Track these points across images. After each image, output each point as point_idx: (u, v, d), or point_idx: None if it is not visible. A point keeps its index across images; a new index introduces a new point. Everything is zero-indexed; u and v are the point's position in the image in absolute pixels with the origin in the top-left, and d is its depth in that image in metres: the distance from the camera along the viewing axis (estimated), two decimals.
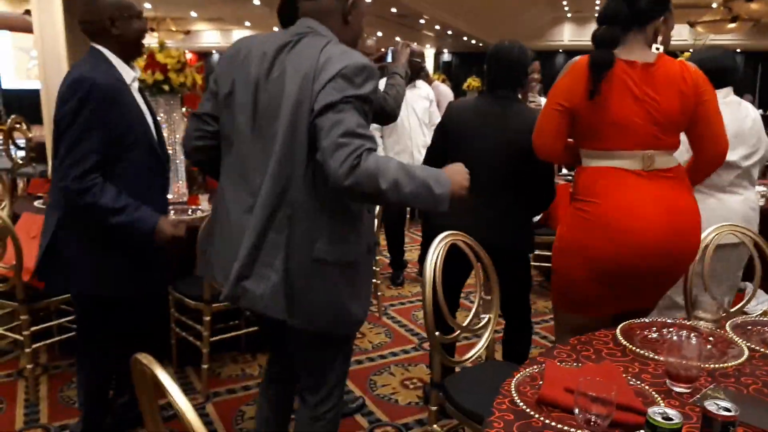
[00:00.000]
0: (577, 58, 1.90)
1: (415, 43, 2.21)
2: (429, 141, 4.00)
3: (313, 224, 1.52)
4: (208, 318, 2.60)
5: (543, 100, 3.37)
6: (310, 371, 1.74)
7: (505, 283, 2.13)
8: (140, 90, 2.21)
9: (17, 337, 2.65)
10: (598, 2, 14.81)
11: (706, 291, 2.07)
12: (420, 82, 4.34)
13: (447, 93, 6.83)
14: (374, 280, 3.57)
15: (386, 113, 2.23)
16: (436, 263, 1.84)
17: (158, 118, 2.44)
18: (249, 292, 1.57)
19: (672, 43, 2.18)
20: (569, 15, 17.29)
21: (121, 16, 2.03)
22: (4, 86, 15.11)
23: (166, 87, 3.20)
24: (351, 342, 1.85)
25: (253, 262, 1.55)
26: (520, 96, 2.54)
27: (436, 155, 2.49)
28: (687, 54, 4.19)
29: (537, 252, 3.99)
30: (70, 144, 1.91)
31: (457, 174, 1.54)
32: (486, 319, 2.04)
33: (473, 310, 1.99)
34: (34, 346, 2.62)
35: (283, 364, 1.92)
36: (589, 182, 1.90)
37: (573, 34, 17.87)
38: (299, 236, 1.52)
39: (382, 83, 1.99)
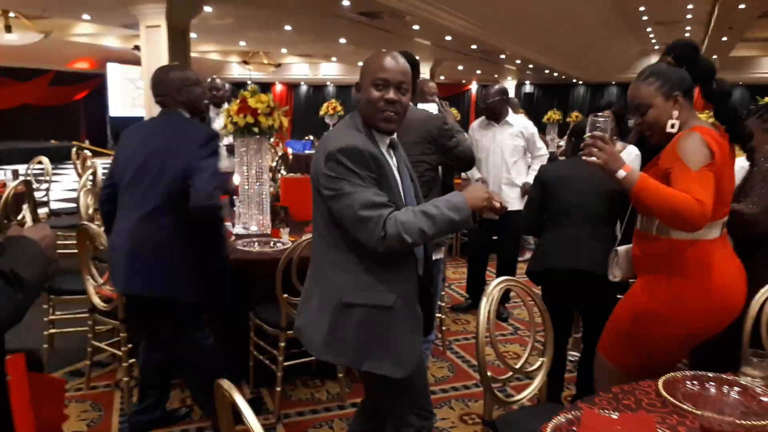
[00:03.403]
0: (697, 133, 1.84)
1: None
2: (514, 177, 4.16)
3: None
4: (282, 344, 2.83)
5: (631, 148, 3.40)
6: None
7: (595, 313, 2.36)
8: None
9: (116, 351, 2.99)
10: (688, 33, 14.40)
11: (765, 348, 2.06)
12: (512, 118, 4.30)
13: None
14: (438, 315, 3.68)
15: (467, 160, 2.80)
16: (490, 307, 1.97)
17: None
18: None
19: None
20: (656, 47, 16.86)
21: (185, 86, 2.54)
22: (113, 114, 16.52)
23: (255, 129, 3.52)
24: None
25: None
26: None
27: (533, 205, 2.81)
28: None
29: None
30: (214, 173, 2.36)
31: (473, 191, 1.74)
32: (540, 362, 2.13)
33: (526, 353, 2.09)
34: (130, 361, 2.94)
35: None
36: (695, 257, 1.90)
37: None
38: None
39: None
